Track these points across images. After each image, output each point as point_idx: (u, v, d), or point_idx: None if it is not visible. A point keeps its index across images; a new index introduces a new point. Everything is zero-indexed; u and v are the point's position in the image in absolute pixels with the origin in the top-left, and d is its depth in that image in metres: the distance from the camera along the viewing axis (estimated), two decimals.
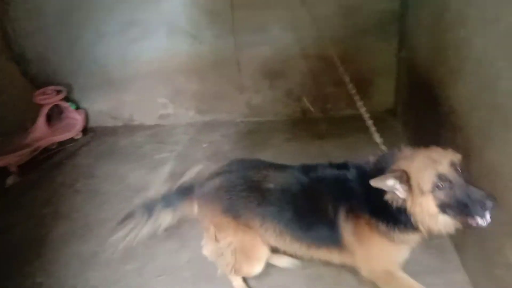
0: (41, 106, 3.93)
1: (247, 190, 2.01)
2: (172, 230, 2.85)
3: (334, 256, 2.03)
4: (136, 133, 4.32)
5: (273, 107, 4.28)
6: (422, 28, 3.10)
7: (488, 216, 1.61)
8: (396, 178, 1.67)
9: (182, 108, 4.39)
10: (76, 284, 2.54)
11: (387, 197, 1.74)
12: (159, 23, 3.92)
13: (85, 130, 4.34)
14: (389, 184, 1.68)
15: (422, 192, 1.66)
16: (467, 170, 1.76)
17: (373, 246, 1.90)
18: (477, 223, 1.62)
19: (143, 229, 2.22)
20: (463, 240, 2.32)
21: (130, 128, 4.45)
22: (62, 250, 2.79)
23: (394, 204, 1.73)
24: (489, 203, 1.58)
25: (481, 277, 2.11)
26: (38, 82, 4.17)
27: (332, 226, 1.92)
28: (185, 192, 2.23)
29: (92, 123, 4.48)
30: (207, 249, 2.26)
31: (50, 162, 3.84)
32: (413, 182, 1.67)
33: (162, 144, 4.07)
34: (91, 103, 4.40)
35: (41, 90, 3.98)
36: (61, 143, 4.06)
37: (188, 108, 4.39)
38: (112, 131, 4.40)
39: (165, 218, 2.24)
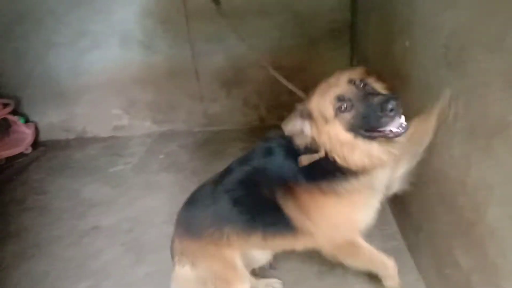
0: None
1: (202, 207, 2.00)
2: (128, 244, 2.81)
3: (291, 242, 1.91)
4: (90, 146, 4.21)
5: (230, 116, 4.28)
6: (372, 36, 3.20)
7: (399, 120, 1.52)
8: (297, 115, 1.64)
9: (138, 118, 4.32)
10: None
11: (297, 142, 1.69)
12: (111, 33, 3.85)
13: (36, 144, 4.18)
14: (295, 123, 1.66)
15: (326, 121, 1.60)
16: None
17: (322, 211, 1.78)
18: (393, 132, 1.53)
19: None
20: (417, 242, 2.40)
21: (83, 141, 4.32)
22: (12, 271, 2.66)
23: (304, 145, 1.66)
24: (389, 104, 1.47)
25: (434, 277, 2.18)
26: None
27: (275, 209, 1.81)
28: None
29: (43, 137, 4.32)
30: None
31: None
32: (316, 114, 1.62)
33: (117, 156, 3.98)
34: (42, 116, 4.25)
35: None
36: (10, 159, 3.88)
37: (143, 118, 4.32)
38: (64, 145, 4.26)
39: None
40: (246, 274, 2.04)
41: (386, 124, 1.51)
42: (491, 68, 1.41)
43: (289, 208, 1.78)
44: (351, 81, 1.60)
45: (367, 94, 1.56)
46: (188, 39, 3.89)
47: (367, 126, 1.55)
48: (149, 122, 4.33)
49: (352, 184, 1.68)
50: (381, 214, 2.85)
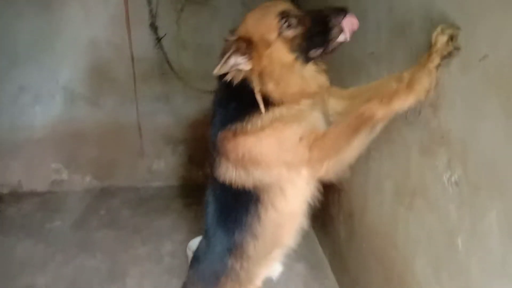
0: None
1: (204, 257, 1.94)
2: None
3: (267, 218, 1.66)
4: (25, 201, 4.04)
5: (175, 172, 4.35)
6: None
7: (348, 24, 1.45)
8: (232, 49, 1.47)
9: (78, 173, 4.24)
10: None
11: (228, 77, 1.53)
12: (56, 89, 3.87)
13: None
14: (229, 59, 1.47)
15: (268, 43, 1.50)
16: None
17: (269, 138, 1.56)
18: (341, 39, 1.47)
19: None
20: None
21: (18, 196, 4.14)
22: None
23: (237, 79, 1.52)
24: (342, 10, 1.45)
25: None
26: None
27: (223, 191, 1.70)
28: None
29: None
30: None
31: None
32: (256, 39, 1.51)
33: (54, 212, 3.85)
34: None
35: None
36: None
37: (84, 174, 4.25)
38: None
39: None
40: None
41: (337, 35, 1.47)
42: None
43: (232, 174, 1.61)
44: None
45: (310, 11, 1.52)
46: (134, 98, 4.00)
47: (316, 40, 1.50)
48: (90, 177, 4.26)
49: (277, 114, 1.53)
50: (320, 268, 3.05)
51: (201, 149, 4.26)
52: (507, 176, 1.18)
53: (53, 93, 3.87)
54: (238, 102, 1.59)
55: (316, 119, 1.60)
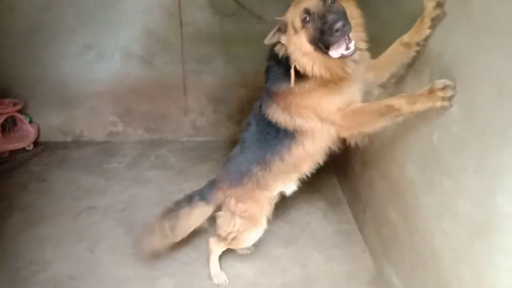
0: None
1: (235, 161, 2.46)
2: (121, 220, 3.21)
3: (299, 150, 2.14)
4: (86, 148, 4.62)
5: (215, 129, 4.81)
6: None
7: (347, 42, 1.64)
8: (275, 27, 1.84)
9: (131, 126, 4.79)
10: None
11: (276, 49, 1.94)
12: (115, 47, 4.38)
13: (36, 143, 4.57)
14: (272, 35, 1.86)
15: (296, 31, 1.80)
16: None
17: (312, 101, 1.96)
18: (340, 52, 1.66)
19: (186, 220, 2.50)
20: (364, 219, 2.91)
21: (79, 143, 4.72)
22: (19, 234, 3.03)
23: (281, 53, 1.91)
24: (335, 24, 1.59)
25: (375, 242, 2.67)
26: None
27: (275, 130, 2.14)
28: (212, 184, 2.57)
29: (42, 138, 4.71)
30: (221, 219, 2.50)
31: (2, 168, 4.03)
32: (289, 25, 1.83)
33: (111, 156, 4.41)
34: (44, 118, 4.66)
35: None
36: (13, 152, 4.27)
37: (136, 127, 4.79)
38: (62, 145, 4.65)
39: (203, 210, 2.53)
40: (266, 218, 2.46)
41: (334, 42, 1.66)
42: None
43: (277, 112, 2.10)
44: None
45: (328, 11, 1.67)
46: (181, 58, 4.47)
47: (322, 42, 1.71)
48: (141, 130, 4.80)
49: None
50: (338, 205, 3.41)
51: (238, 109, 4.71)
52: (466, 72, 1.52)
53: (113, 52, 4.39)
54: (285, 69, 1.97)
55: (353, 93, 1.93)
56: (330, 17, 1.62)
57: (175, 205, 2.57)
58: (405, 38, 1.84)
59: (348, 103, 1.91)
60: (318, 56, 1.80)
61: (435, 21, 1.71)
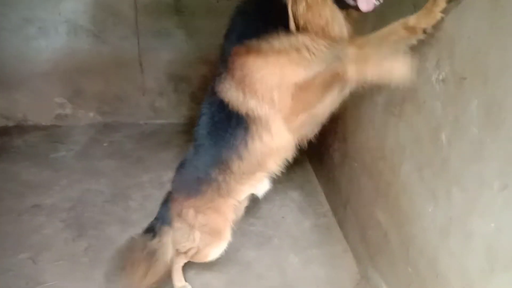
0: None
1: (189, 165, 2.04)
2: (69, 221, 2.84)
3: (254, 146, 1.80)
4: (30, 133, 4.12)
5: (176, 110, 4.41)
6: None
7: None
8: None
9: (82, 108, 4.31)
10: None
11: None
12: (60, 21, 3.86)
13: None
14: None
15: None
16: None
17: (275, 67, 1.64)
18: (373, 2, 1.51)
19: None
20: (345, 216, 2.66)
21: (23, 128, 4.22)
22: None
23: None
24: None
25: (358, 242, 2.43)
26: None
27: (218, 106, 1.79)
28: (168, 199, 2.17)
29: None
30: (177, 233, 2.11)
31: None
32: None
33: (59, 143, 3.95)
34: None
35: None
36: None
37: (88, 108, 4.32)
38: (3, 131, 4.13)
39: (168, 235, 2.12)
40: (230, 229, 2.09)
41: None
42: None
43: (231, 93, 1.73)
44: None
45: None
46: (136, 32, 4.00)
47: None
48: (94, 113, 4.33)
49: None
50: (315, 195, 3.15)
51: (201, 88, 4.32)
52: (488, 63, 1.23)
53: (56, 26, 3.86)
54: (263, 16, 1.62)
55: (318, 69, 1.62)
56: None
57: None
58: (411, 20, 1.49)
59: (307, 79, 1.62)
60: (330, 3, 1.54)
61: (452, 4, 1.39)
